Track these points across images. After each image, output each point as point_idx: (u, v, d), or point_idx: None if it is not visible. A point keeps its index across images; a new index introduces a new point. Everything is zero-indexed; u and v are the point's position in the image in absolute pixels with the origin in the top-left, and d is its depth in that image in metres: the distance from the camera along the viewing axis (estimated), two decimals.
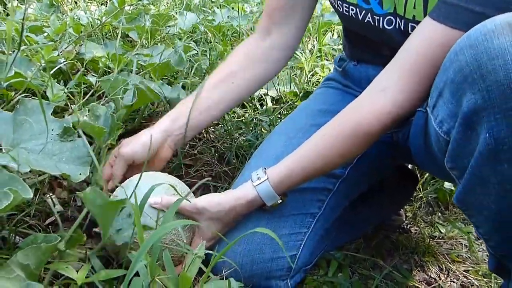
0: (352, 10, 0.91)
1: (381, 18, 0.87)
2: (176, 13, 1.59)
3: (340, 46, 1.89)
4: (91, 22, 1.28)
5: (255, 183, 0.82)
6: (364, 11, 0.89)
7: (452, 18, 0.70)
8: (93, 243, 0.93)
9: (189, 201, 0.79)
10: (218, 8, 1.87)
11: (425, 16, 0.79)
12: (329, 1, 0.98)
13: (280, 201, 0.83)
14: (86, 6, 1.48)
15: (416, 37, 0.76)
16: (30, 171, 0.82)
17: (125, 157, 0.86)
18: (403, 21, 0.84)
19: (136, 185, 0.71)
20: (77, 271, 0.72)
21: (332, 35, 2.03)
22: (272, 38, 1.00)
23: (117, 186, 0.85)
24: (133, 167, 0.88)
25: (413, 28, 0.83)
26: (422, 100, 0.75)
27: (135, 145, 0.86)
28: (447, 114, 0.64)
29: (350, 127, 0.78)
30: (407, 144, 0.96)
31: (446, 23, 0.71)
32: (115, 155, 0.89)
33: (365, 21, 0.90)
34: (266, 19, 1.01)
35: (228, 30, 1.55)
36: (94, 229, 0.81)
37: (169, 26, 1.44)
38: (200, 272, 0.74)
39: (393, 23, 0.86)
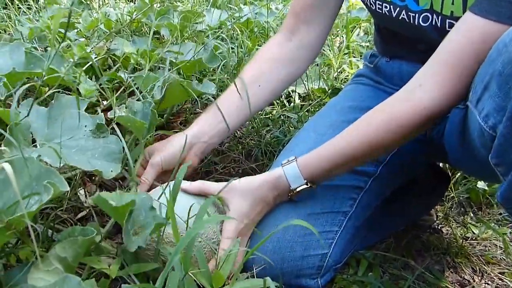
0: (386, 7, 0.89)
1: (417, 15, 0.85)
2: (203, 10, 1.59)
3: (368, 43, 1.86)
4: (120, 18, 1.29)
5: (284, 164, 0.83)
6: (398, 8, 0.87)
7: (495, 12, 0.68)
8: (121, 238, 0.94)
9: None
10: (244, 5, 1.87)
11: (464, 11, 0.77)
12: (361, 1, 0.96)
13: (306, 186, 0.81)
14: (115, 2, 1.50)
15: (456, 32, 0.74)
16: (62, 166, 0.83)
17: (156, 167, 0.87)
18: (440, 17, 0.82)
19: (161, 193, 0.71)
20: (109, 265, 0.73)
21: (359, 31, 2.00)
22: (298, 38, 0.99)
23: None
24: (162, 172, 0.90)
25: (450, 25, 0.81)
26: (460, 96, 0.73)
27: (166, 155, 0.87)
28: (494, 108, 0.61)
29: (383, 118, 0.78)
30: (441, 142, 0.93)
31: (488, 17, 0.68)
32: (147, 156, 0.90)
33: (400, 18, 0.88)
34: (291, 19, 1.00)
35: (256, 26, 1.54)
36: None
37: (196, 23, 1.44)
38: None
39: (429, 20, 0.84)
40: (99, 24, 1.16)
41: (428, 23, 0.84)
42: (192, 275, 0.61)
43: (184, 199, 0.79)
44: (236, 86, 0.95)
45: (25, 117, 0.73)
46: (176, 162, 0.86)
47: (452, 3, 0.79)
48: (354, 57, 1.75)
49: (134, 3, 1.64)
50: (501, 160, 0.63)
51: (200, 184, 0.82)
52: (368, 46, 1.83)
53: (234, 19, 1.60)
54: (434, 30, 0.84)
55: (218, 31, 1.40)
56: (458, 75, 0.72)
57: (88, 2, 1.57)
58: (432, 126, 0.92)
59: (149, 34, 1.32)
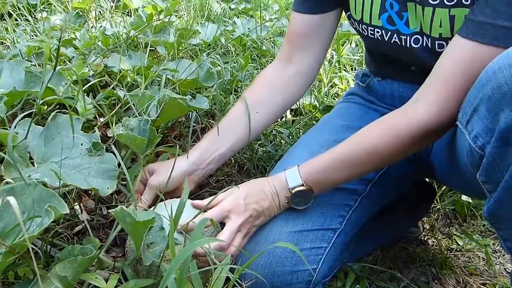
0: (378, 32, 0.93)
1: (408, 37, 0.90)
2: (198, 24, 1.62)
3: (358, 56, 1.90)
4: (117, 34, 1.32)
5: (286, 168, 0.88)
6: (390, 32, 0.91)
7: (481, 34, 0.73)
8: (118, 252, 0.97)
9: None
10: (237, 17, 1.90)
11: (452, 33, 0.82)
12: (353, 27, 1.00)
13: (303, 188, 0.85)
14: (111, 17, 1.53)
15: (448, 55, 0.79)
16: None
17: (154, 189, 0.91)
18: (429, 39, 0.87)
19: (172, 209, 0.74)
20: (106, 281, 0.76)
21: (350, 44, 2.04)
22: (294, 65, 1.03)
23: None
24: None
25: (440, 46, 0.86)
26: (452, 113, 0.77)
27: (165, 177, 0.90)
28: (483, 129, 0.66)
29: (381, 128, 0.83)
30: (429, 159, 0.97)
31: (476, 40, 0.74)
32: (146, 174, 0.94)
33: (392, 41, 0.92)
34: (287, 46, 1.03)
35: (249, 40, 1.57)
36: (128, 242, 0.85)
37: (192, 37, 1.47)
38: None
39: (420, 42, 0.89)
40: (96, 41, 1.19)
41: (419, 44, 0.89)
42: None
43: (186, 214, 0.82)
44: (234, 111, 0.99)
45: (24, 139, 0.75)
46: (173, 186, 0.90)
47: (440, 26, 0.84)
48: (345, 70, 1.79)
49: (130, 16, 1.67)
50: (489, 178, 0.67)
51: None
52: (358, 59, 1.87)
53: (228, 32, 1.63)
54: (426, 51, 0.88)
55: (212, 50, 1.43)
56: (450, 92, 0.77)
57: (85, 15, 1.60)
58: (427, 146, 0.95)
59: (144, 49, 1.35)
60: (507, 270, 1.20)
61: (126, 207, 0.81)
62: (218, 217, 0.83)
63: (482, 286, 1.12)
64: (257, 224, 0.87)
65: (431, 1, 0.82)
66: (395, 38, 0.91)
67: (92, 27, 1.64)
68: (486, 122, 0.65)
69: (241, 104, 1.00)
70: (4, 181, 0.66)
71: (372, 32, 0.94)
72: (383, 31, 0.92)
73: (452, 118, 0.77)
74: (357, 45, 2.04)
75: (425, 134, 0.79)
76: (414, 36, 0.89)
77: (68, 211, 0.60)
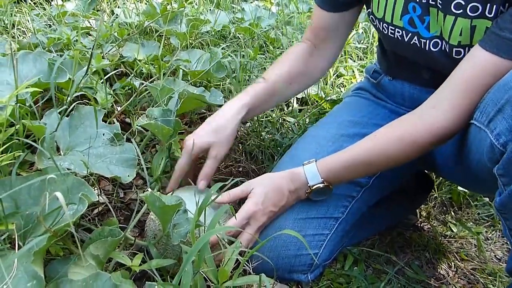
0: (398, 32, 0.96)
1: (428, 41, 0.92)
2: (208, 11, 1.66)
3: (364, 45, 1.94)
4: (131, 24, 1.37)
5: (304, 164, 0.93)
6: (410, 34, 0.94)
7: (507, 50, 0.76)
8: (135, 232, 1.04)
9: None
10: (245, 1, 1.93)
11: (471, 40, 0.85)
12: (373, 24, 1.02)
13: (322, 185, 0.91)
14: (123, 3, 1.56)
15: (467, 65, 0.82)
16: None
17: (188, 148, 0.93)
18: (448, 45, 0.90)
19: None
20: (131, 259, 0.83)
21: (357, 31, 2.07)
22: (319, 50, 1.10)
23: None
24: (195, 165, 0.99)
25: (457, 53, 0.88)
26: (469, 116, 0.82)
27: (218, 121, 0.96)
28: (506, 128, 0.70)
29: (400, 134, 0.87)
30: (433, 154, 1.02)
31: (498, 54, 0.77)
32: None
33: (411, 43, 0.95)
34: (312, 34, 1.10)
35: (257, 27, 1.60)
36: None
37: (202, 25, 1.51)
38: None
39: (439, 46, 0.92)
40: (113, 33, 1.23)
41: (438, 48, 0.92)
42: (202, 273, 0.71)
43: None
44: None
45: (54, 131, 0.82)
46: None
47: (460, 34, 0.86)
48: (350, 58, 1.83)
49: (141, 2, 1.70)
50: (507, 171, 0.71)
51: (231, 194, 0.92)
52: (364, 49, 1.91)
53: (237, 20, 1.67)
54: (443, 56, 0.92)
55: (222, 37, 1.47)
56: (469, 100, 0.81)
57: (99, 3, 1.64)
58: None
59: (157, 36, 1.39)
60: (497, 256, 1.27)
61: (144, 191, 0.88)
62: (241, 226, 0.89)
63: (472, 271, 1.20)
64: (272, 219, 0.94)
65: (454, 10, 0.84)
66: (415, 40, 0.94)
67: (103, 11, 1.67)
68: (510, 122, 0.70)
69: (275, 70, 1.07)
70: (37, 170, 0.74)
71: (393, 32, 0.96)
72: (403, 31, 0.94)
73: (467, 121, 0.82)
74: (363, 32, 2.06)
75: (445, 139, 0.85)
76: (434, 40, 0.91)
77: (97, 198, 0.67)
